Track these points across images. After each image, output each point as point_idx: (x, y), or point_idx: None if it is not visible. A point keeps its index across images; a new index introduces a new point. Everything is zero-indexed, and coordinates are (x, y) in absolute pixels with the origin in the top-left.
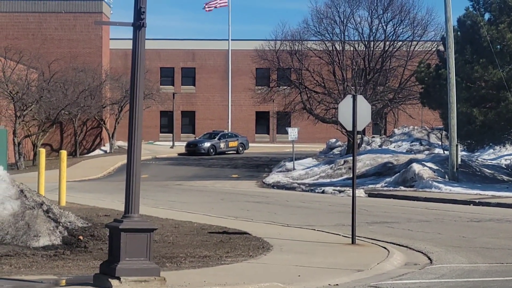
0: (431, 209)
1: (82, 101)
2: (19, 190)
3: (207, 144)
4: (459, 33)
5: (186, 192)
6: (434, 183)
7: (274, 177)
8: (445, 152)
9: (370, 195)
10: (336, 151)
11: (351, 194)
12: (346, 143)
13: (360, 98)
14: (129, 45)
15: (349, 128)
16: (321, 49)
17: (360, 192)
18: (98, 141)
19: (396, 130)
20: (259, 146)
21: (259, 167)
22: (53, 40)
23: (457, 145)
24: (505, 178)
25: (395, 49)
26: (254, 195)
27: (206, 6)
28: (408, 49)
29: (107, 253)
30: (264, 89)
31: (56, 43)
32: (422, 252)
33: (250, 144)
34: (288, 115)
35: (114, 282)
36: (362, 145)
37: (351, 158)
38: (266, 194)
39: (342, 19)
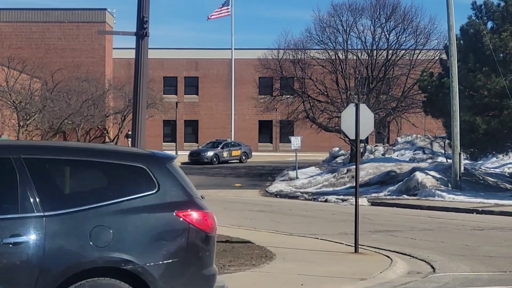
0: (434, 217)
1: (85, 111)
2: None
3: (210, 153)
4: (462, 41)
5: None
6: (437, 191)
7: (277, 186)
8: (448, 160)
9: (373, 203)
10: (339, 159)
11: (354, 203)
12: (349, 151)
13: (363, 107)
14: (132, 54)
15: (352, 136)
16: (324, 58)
17: (363, 201)
18: None
19: (399, 139)
20: (262, 155)
21: (262, 176)
22: (56, 50)
23: (460, 154)
24: (508, 186)
25: (398, 58)
26: (257, 204)
27: (210, 16)
28: (411, 58)
29: None
30: (267, 98)
31: (59, 52)
32: (425, 261)
33: (253, 153)
34: (291, 124)
35: None
36: (365, 154)
37: (354, 166)
38: (269, 203)
39: (345, 28)
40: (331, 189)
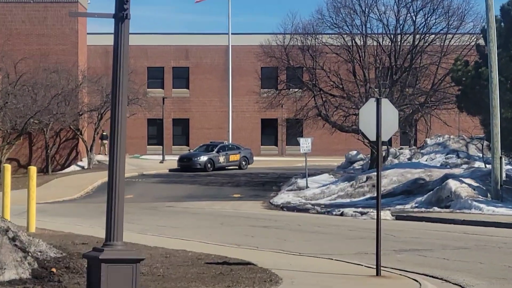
0: (470, 233)
1: (54, 108)
2: None
3: (203, 158)
4: (502, 24)
5: (178, 215)
6: (474, 203)
7: (284, 196)
8: (487, 166)
9: (398, 217)
10: (357, 165)
11: (375, 217)
12: (369, 155)
13: (385, 102)
14: (110, 40)
15: (372, 138)
16: (339, 44)
17: (386, 214)
18: (74, 155)
19: (428, 140)
20: (266, 160)
21: (266, 185)
22: (20, 35)
23: (501, 158)
24: None
25: (427, 44)
26: (259, 218)
27: None
28: (442, 44)
29: None
30: (271, 92)
31: (23, 38)
32: (460, 286)
33: (254, 158)
34: (299, 123)
35: None
36: (388, 158)
37: (375, 173)
38: (274, 217)
39: (364, 8)
40: (347, 200)
